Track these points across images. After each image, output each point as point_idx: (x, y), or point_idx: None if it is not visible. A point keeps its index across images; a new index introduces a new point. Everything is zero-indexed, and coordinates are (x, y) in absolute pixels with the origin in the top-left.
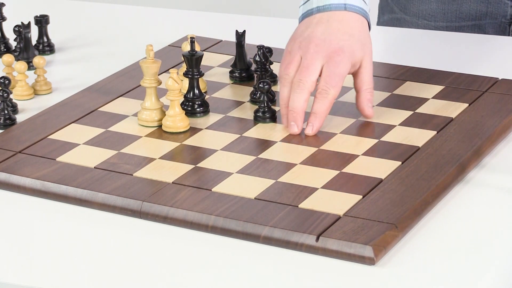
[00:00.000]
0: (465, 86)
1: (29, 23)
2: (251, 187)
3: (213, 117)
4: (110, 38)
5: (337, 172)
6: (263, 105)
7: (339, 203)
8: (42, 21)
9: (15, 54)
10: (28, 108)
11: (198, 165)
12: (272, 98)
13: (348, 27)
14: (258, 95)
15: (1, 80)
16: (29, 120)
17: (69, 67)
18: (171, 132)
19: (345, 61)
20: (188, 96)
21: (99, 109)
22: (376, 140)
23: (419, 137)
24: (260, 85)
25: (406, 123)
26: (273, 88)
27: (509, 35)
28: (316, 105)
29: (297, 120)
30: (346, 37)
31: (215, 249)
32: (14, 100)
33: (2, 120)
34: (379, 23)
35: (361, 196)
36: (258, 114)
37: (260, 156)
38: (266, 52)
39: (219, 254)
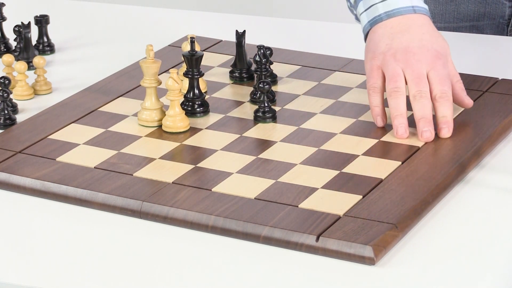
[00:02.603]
0: (465, 86)
1: (29, 23)
2: (251, 187)
3: (213, 117)
4: (110, 38)
5: (337, 172)
6: (263, 105)
7: (339, 203)
8: (42, 21)
9: (15, 54)
10: (28, 108)
11: (198, 165)
12: (272, 98)
13: (429, 29)
14: (258, 95)
15: (1, 80)
16: (29, 120)
17: (69, 67)
18: (171, 132)
19: (445, 62)
20: (188, 96)
21: (99, 109)
22: (376, 140)
23: None
24: (260, 85)
25: None
26: (273, 88)
27: (507, 36)
28: (443, 109)
29: (430, 126)
30: (434, 39)
31: (215, 249)
32: (14, 100)
33: (2, 120)
34: None
35: (361, 196)
36: (258, 114)
37: (260, 156)
38: (266, 52)
39: (219, 254)
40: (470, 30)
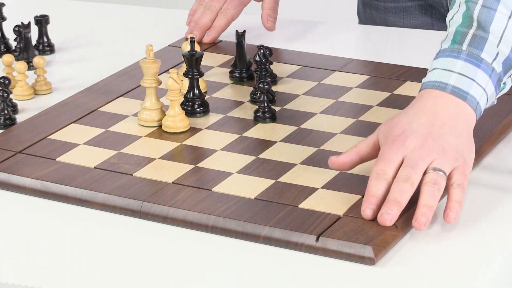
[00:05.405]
0: None
1: (29, 23)
2: (251, 187)
3: (213, 117)
4: (110, 38)
5: (337, 172)
6: (263, 105)
7: (339, 203)
8: (42, 21)
9: (15, 54)
10: (28, 108)
11: (198, 165)
12: (272, 98)
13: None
14: (258, 95)
15: (1, 80)
16: (29, 120)
17: (69, 67)
18: (171, 132)
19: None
20: (188, 96)
21: (99, 109)
22: None
23: None
24: (260, 85)
25: None
26: (273, 88)
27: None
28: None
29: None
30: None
31: (215, 249)
32: (14, 100)
33: (2, 120)
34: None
35: (361, 196)
36: (258, 114)
37: (260, 156)
38: (266, 52)
39: (219, 254)
40: (420, 9)
